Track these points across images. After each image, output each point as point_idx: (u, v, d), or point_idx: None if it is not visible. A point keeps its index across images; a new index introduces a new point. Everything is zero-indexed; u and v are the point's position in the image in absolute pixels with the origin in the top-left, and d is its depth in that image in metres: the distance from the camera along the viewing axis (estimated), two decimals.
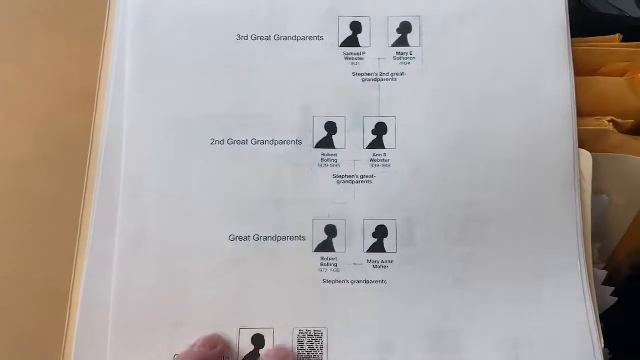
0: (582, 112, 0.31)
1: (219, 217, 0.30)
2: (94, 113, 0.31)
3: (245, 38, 0.31)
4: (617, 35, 0.33)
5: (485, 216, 0.29)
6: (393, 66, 0.31)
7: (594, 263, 0.30)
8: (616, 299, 0.31)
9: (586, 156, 0.30)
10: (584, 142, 0.30)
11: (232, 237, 0.30)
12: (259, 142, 0.30)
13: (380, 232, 0.30)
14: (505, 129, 0.30)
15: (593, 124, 0.31)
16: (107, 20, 0.32)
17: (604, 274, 0.31)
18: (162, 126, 0.30)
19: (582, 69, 0.32)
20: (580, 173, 0.30)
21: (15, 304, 0.29)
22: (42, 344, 0.28)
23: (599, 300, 0.29)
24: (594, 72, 0.33)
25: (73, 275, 0.29)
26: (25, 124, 0.30)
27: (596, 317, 0.28)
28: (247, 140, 0.30)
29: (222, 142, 0.30)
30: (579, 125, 0.31)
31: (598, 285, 0.30)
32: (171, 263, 0.29)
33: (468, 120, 0.30)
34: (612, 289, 0.31)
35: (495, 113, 0.30)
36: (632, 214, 0.32)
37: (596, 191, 0.31)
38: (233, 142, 0.30)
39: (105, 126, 0.31)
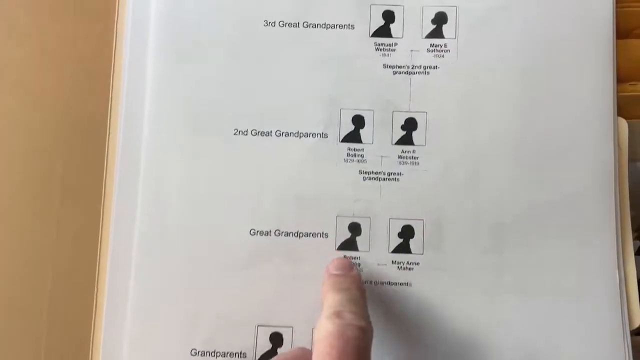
0: (617, 76, 0.29)
1: (240, 210, 0.29)
2: (110, 95, 0.30)
3: (273, 24, 0.30)
4: None
5: (518, 222, 0.28)
6: (426, 59, 0.29)
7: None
8: None
9: (622, 125, 0.29)
10: (619, 108, 0.29)
11: (252, 231, 0.29)
12: (283, 133, 0.29)
13: (407, 233, 0.29)
14: (541, 128, 0.29)
15: (628, 89, 0.30)
16: (118, 2, 0.31)
17: (636, 244, 0.30)
18: (184, 114, 0.29)
19: (616, 30, 0.30)
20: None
21: (40, 292, 0.28)
22: (70, 330, 0.28)
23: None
24: (630, 34, 0.31)
25: (97, 263, 0.29)
26: (41, 110, 0.29)
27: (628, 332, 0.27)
28: (271, 132, 0.29)
29: (245, 133, 0.29)
30: None
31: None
32: (191, 255, 0.29)
33: (503, 119, 0.29)
34: None
35: (532, 111, 0.29)
36: None
37: (631, 158, 0.30)
38: (257, 133, 0.29)
39: (122, 109, 0.30)
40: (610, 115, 0.28)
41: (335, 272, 0.26)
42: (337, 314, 0.22)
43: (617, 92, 0.29)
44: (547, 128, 0.29)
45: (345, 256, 0.28)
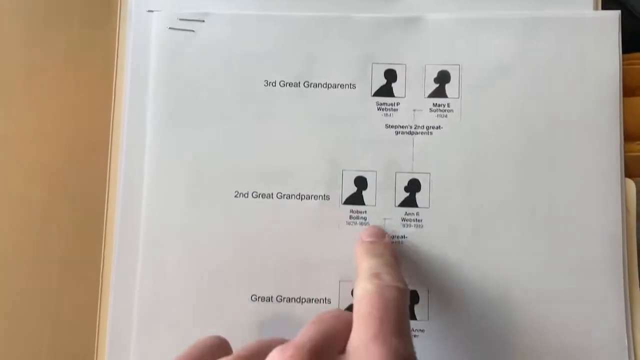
0: (624, 134, 0.29)
1: (240, 275, 0.28)
2: (109, 164, 0.30)
3: (273, 84, 0.30)
4: None
5: (524, 287, 0.27)
6: (429, 118, 0.29)
7: None
8: None
9: (630, 186, 0.28)
10: (626, 168, 0.29)
11: (253, 297, 0.28)
12: (285, 195, 0.29)
13: (411, 298, 0.28)
14: (548, 190, 0.28)
15: (635, 149, 0.29)
16: (116, 66, 0.31)
17: None
18: (184, 179, 0.29)
19: (623, 87, 0.30)
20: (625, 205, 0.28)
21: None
22: None
23: None
24: (636, 91, 0.30)
25: (96, 335, 0.28)
26: (41, 182, 0.29)
27: None
28: (272, 194, 0.29)
29: (246, 195, 0.29)
30: None
31: None
32: (191, 323, 0.28)
33: (508, 180, 0.28)
34: None
35: (538, 173, 0.28)
36: None
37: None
38: (257, 196, 0.29)
39: (121, 177, 0.29)
40: (617, 176, 0.28)
41: (368, 239, 0.27)
42: (376, 275, 0.23)
43: (624, 151, 0.28)
44: (553, 190, 0.28)
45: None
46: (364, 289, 0.22)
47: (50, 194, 0.29)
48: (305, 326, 0.22)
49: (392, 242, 0.28)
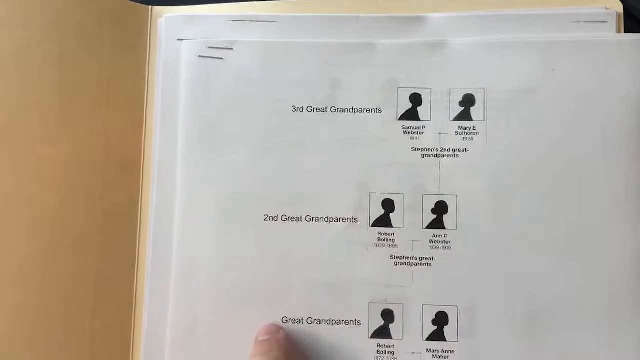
0: None
1: (272, 298, 0.29)
2: (141, 186, 0.31)
3: (301, 109, 0.30)
4: None
5: (552, 307, 0.28)
6: (455, 141, 0.29)
7: None
8: None
9: None
10: None
11: (285, 319, 0.29)
12: (313, 218, 0.29)
13: (441, 319, 0.28)
14: (574, 213, 0.28)
15: None
16: (147, 91, 0.31)
17: None
18: (215, 203, 0.30)
19: None
20: None
21: None
22: None
23: None
24: None
25: (131, 356, 0.29)
26: (76, 203, 0.29)
27: None
28: (301, 217, 0.29)
29: (275, 219, 0.30)
30: None
31: None
32: (223, 345, 0.28)
33: (534, 203, 0.28)
34: None
35: (564, 195, 0.28)
36: None
37: None
38: (287, 219, 0.29)
39: (153, 199, 0.30)
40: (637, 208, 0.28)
41: (261, 338, 0.27)
42: None
43: None
44: (579, 212, 0.28)
45: (378, 344, 0.28)
46: None
47: (84, 214, 0.29)
48: None
49: (287, 337, 0.28)
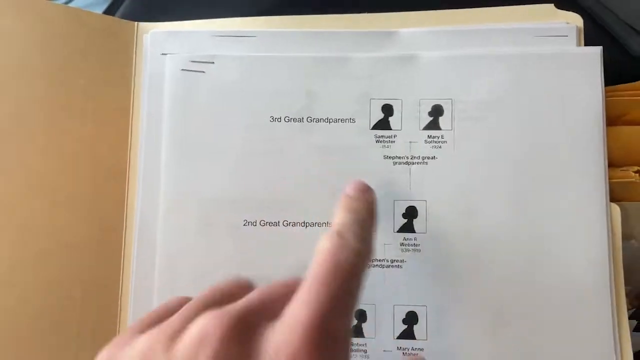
0: (609, 161, 0.31)
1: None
2: (126, 193, 0.32)
3: (279, 119, 0.32)
4: None
5: (518, 310, 0.29)
6: (424, 150, 0.31)
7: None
8: None
9: (615, 210, 0.30)
10: (612, 192, 0.30)
11: None
12: (290, 223, 0.31)
13: (411, 319, 0.30)
14: (537, 216, 0.30)
15: (619, 175, 0.31)
16: (133, 103, 0.33)
17: (633, 324, 0.31)
18: (197, 209, 0.31)
19: (607, 117, 0.31)
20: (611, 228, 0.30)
21: None
22: None
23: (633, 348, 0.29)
24: (617, 121, 0.32)
25: None
26: (62, 211, 0.31)
27: None
28: (278, 222, 0.31)
29: (254, 224, 0.31)
30: None
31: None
32: None
33: (500, 207, 0.30)
34: None
35: (528, 199, 0.30)
36: None
37: (625, 237, 0.31)
38: (265, 224, 0.31)
39: (138, 206, 0.32)
40: (602, 203, 0.30)
41: (349, 193, 0.25)
42: (339, 233, 0.21)
43: (609, 178, 0.30)
44: (543, 215, 0.30)
45: (352, 342, 0.29)
46: (321, 246, 0.20)
47: (72, 220, 0.31)
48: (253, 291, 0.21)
49: (374, 201, 0.25)
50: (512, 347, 0.29)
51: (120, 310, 0.31)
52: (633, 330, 0.31)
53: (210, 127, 0.32)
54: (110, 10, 0.42)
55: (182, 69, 0.32)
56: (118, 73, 0.33)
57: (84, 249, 0.31)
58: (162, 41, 0.33)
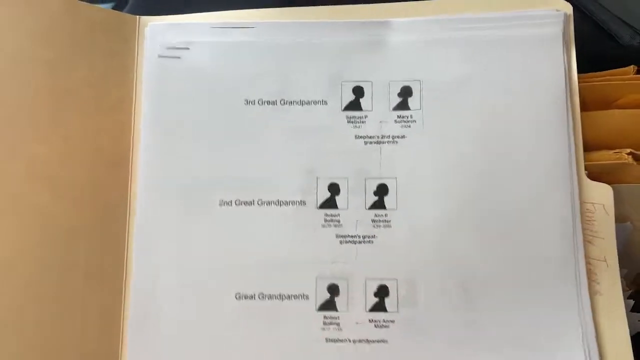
0: (601, 145, 0.32)
1: (226, 276, 0.31)
2: (129, 181, 0.33)
3: (253, 102, 0.33)
4: (632, 66, 0.33)
5: (486, 281, 0.30)
6: (394, 129, 0.32)
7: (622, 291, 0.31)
8: None
9: (607, 191, 0.31)
10: (606, 174, 0.31)
11: (237, 295, 0.31)
12: (265, 202, 0.32)
13: (382, 292, 0.30)
14: (506, 191, 0.31)
15: (612, 157, 0.32)
16: (135, 94, 0.34)
17: (630, 302, 0.32)
18: (175, 190, 0.32)
19: (598, 102, 0.33)
20: (602, 206, 0.30)
21: None
22: None
23: (630, 328, 0.30)
24: (611, 105, 0.33)
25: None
26: (68, 199, 0.31)
27: None
28: (253, 201, 0.32)
29: (230, 203, 0.32)
30: (596, 159, 0.32)
31: (627, 314, 0.31)
32: (181, 323, 0.31)
33: (468, 184, 0.31)
34: None
35: (496, 176, 0.31)
36: None
37: (621, 219, 0.32)
38: (240, 203, 0.32)
39: (140, 193, 0.32)
40: (569, 177, 0.31)
41: None
42: None
43: (602, 159, 0.31)
44: (511, 191, 0.31)
45: (325, 316, 0.30)
46: None
47: (74, 208, 0.31)
48: None
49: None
50: (481, 317, 0.30)
51: (125, 291, 0.32)
52: (631, 310, 0.32)
53: (187, 111, 0.33)
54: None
55: (160, 55, 0.33)
56: (120, 64, 0.33)
57: (86, 236, 0.31)
58: (161, 33, 0.34)
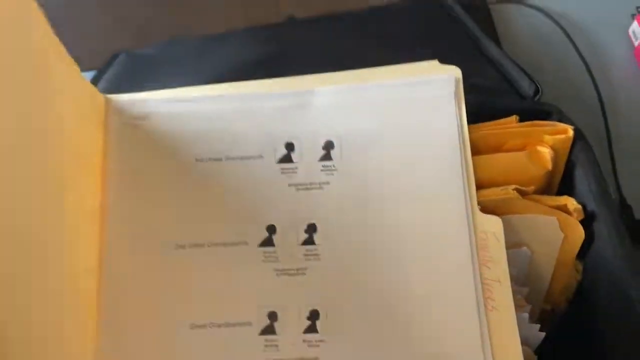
0: (490, 183, 0.38)
1: (181, 308, 0.36)
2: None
3: (202, 160, 0.39)
4: (514, 116, 0.40)
5: (402, 307, 0.35)
6: (320, 176, 0.38)
7: (519, 307, 0.36)
8: (544, 333, 0.37)
9: (497, 222, 0.36)
10: (495, 209, 0.37)
11: (192, 325, 0.36)
12: (214, 244, 0.38)
13: (314, 316, 0.36)
14: (410, 229, 0.37)
15: (500, 193, 0.38)
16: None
17: (525, 316, 0.37)
18: (138, 237, 0.38)
19: (490, 147, 0.39)
20: (494, 233, 0.36)
21: None
22: None
23: (530, 338, 0.35)
24: (499, 149, 0.40)
25: None
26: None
27: None
28: (204, 244, 0.38)
29: (184, 247, 0.38)
30: (487, 195, 0.37)
31: (525, 326, 0.36)
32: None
33: (379, 225, 0.37)
34: (539, 325, 0.37)
35: (401, 214, 0.37)
36: (553, 259, 0.39)
37: (517, 245, 0.38)
38: (192, 246, 0.38)
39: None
40: (464, 211, 0.37)
41: None
42: None
43: (491, 195, 0.37)
44: (414, 226, 0.37)
45: (265, 339, 0.36)
46: None
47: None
48: None
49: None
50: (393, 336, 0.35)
51: None
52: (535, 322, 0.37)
53: (148, 167, 0.39)
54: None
55: (123, 122, 0.40)
56: (90, 134, 0.39)
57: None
58: (126, 105, 0.40)
